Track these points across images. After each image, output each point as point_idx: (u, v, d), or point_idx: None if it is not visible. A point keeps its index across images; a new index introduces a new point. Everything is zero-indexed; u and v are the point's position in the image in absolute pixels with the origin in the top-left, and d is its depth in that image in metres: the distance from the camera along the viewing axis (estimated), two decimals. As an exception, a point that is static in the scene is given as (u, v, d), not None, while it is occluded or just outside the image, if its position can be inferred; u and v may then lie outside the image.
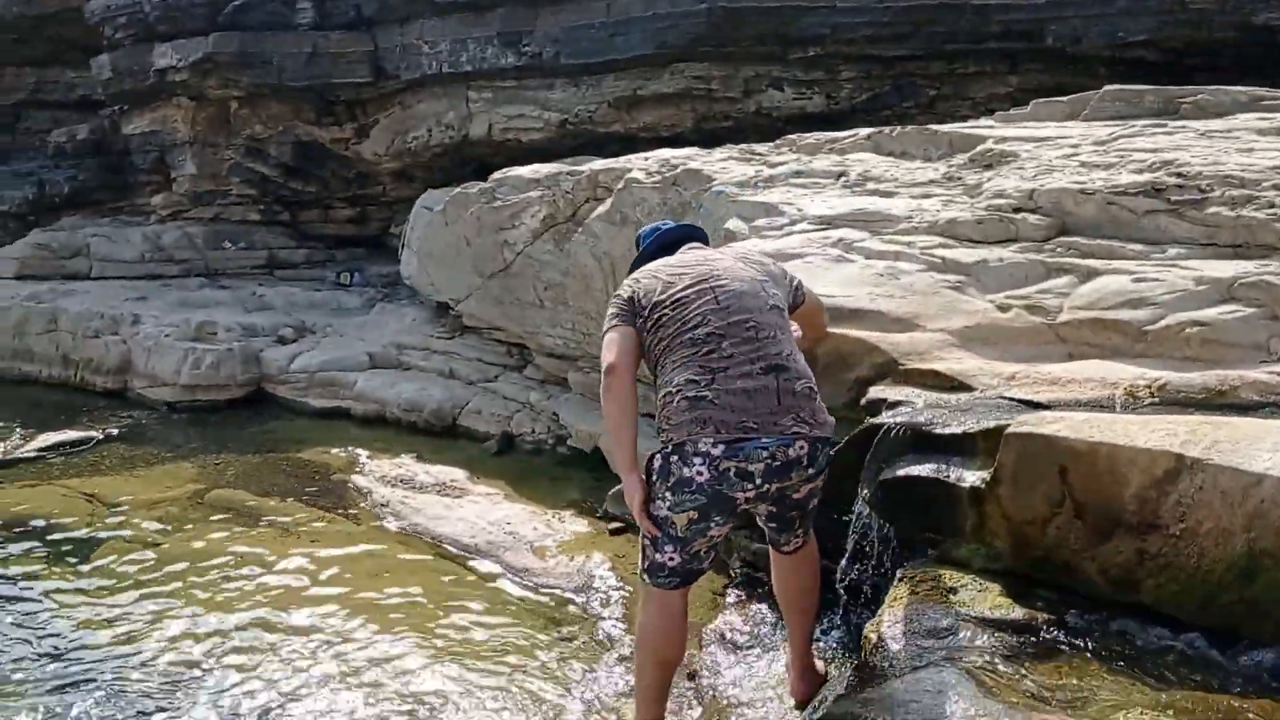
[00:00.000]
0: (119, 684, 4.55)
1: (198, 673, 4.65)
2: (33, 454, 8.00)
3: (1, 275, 11.28)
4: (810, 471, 3.32)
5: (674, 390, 3.27)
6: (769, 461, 3.21)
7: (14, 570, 5.88)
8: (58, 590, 5.57)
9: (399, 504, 6.78)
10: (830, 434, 3.43)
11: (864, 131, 7.06)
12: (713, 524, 3.26)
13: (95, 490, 7.23)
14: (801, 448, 3.26)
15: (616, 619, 5.35)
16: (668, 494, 3.21)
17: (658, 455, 3.27)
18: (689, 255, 3.67)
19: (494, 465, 7.54)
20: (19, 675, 4.64)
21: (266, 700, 4.41)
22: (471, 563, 6.00)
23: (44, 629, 5.17)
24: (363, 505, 6.86)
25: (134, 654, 4.82)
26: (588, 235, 7.38)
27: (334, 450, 7.90)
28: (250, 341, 9.28)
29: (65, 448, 8.07)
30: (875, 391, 4.02)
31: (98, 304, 9.82)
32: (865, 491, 3.77)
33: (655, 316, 3.39)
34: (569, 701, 4.59)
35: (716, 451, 3.16)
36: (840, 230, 5.20)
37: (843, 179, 6.13)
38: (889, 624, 3.22)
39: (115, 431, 8.41)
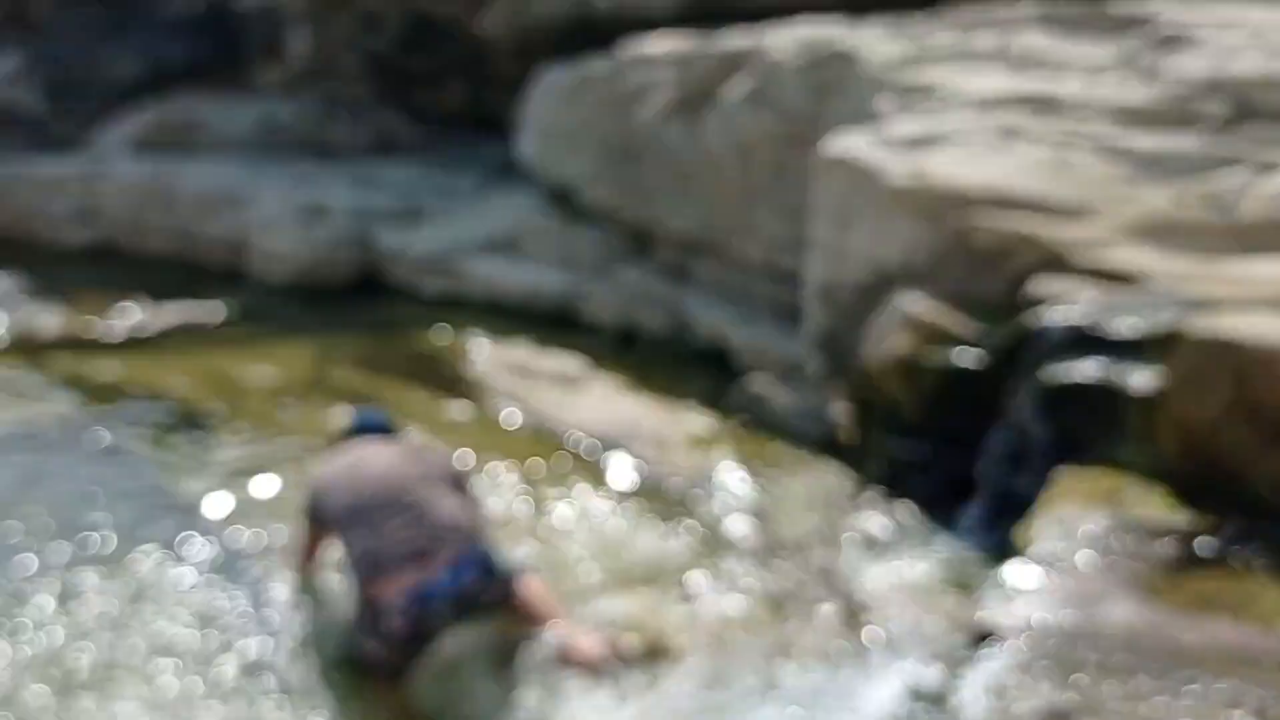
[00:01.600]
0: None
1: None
2: (156, 329, 8.46)
3: (118, 150, 11.77)
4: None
5: None
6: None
7: (141, 441, 6.29)
8: (187, 464, 5.94)
9: (518, 392, 6.99)
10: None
11: (1029, 7, 6.82)
12: None
13: (216, 366, 7.63)
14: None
15: (740, 513, 5.49)
16: None
17: None
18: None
19: (614, 356, 7.68)
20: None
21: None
22: (591, 451, 6.19)
23: (171, 496, 5.56)
24: (481, 391, 7.09)
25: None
26: (721, 117, 7.34)
27: (449, 335, 8.15)
28: (364, 222, 9.55)
29: (186, 324, 8.50)
30: (1036, 286, 3.99)
31: (216, 180, 10.20)
32: (1020, 389, 3.78)
33: None
34: (690, 591, 4.76)
35: None
36: (1002, 113, 5.08)
37: (1005, 58, 5.95)
38: (1043, 527, 3.26)
39: (234, 310, 8.80)
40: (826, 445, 6.06)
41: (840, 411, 5.72)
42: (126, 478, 5.80)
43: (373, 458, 4.28)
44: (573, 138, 8.77)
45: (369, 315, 8.67)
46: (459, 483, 4.44)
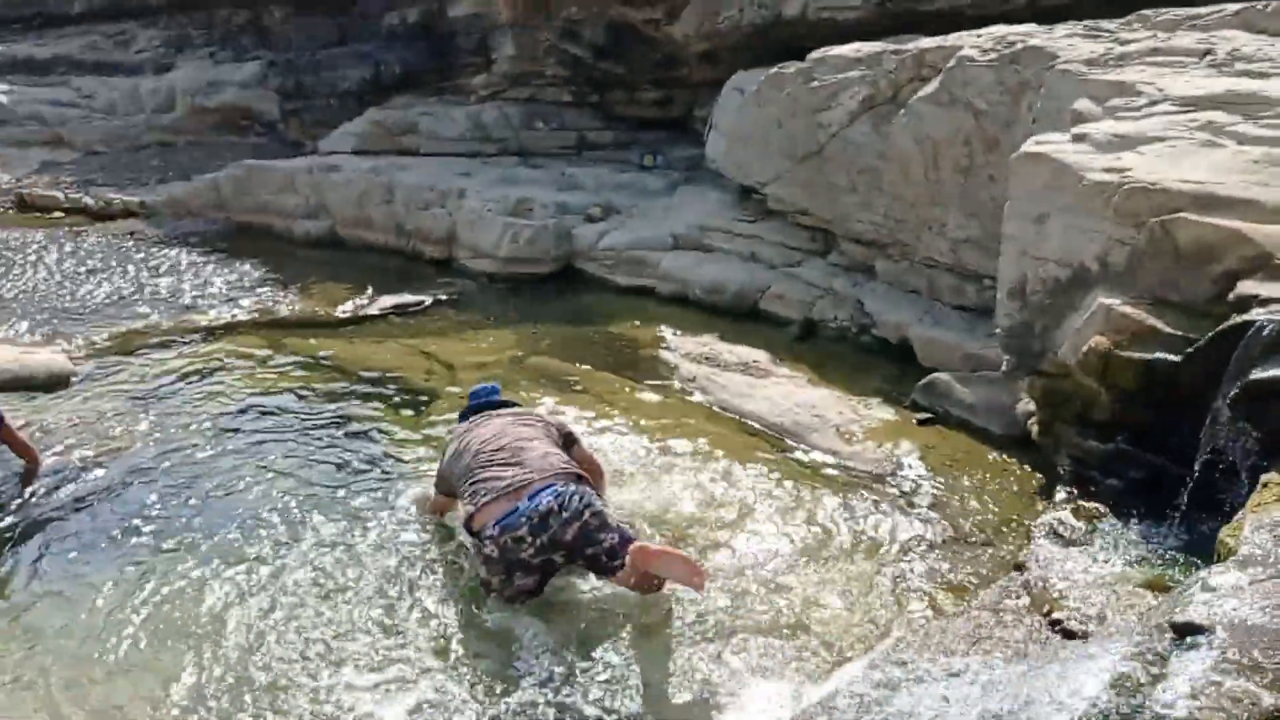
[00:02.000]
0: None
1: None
2: (376, 312, 8.91)
3: (341, 150, 12.43)
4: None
5: None
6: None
7: (367, 412, 6.65)
8: (403, 437, 6.25)
9: (705, 380, 7.06)
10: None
11: (1232, 7, 6.45)
12: None
13: (430, 349, 7.98)
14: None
15: (925, 506, 5.41)
16: None
17: None
18: None
19: (796, 349, 7.66)
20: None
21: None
22: (776, 440, 6.21)
23: (388, 466, 5.87)
24: (670, 379, 7.19)
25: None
26: (910, 117, 7.21)
27: (640, 326, 8.29)
28: (563, 219, 9.80)
29: (403, 309, 8.92)
30: (1245, 287, 3.79)
31: (428, 178, 10.66)
32: (1227, 391, 3.61)
33: None
34: (879, 579, 4.74)
35: None
36: (1208, 112, 4.83)
37: (1209, 57, 5.64)
38: (1252, 530, 3.11)
39: (443, 297, 9.19)
40: (1013, 441, 5.91)
41: (1029, 407, 5.56)
42: (355, 443, 6.16)
43: (484, 424, 4.80)
44: (761, 139, 8.77)
45: (566, 304, 8.90)
46: (566, 439, 4.91)
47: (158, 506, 5.42)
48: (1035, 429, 5.04)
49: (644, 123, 12.53)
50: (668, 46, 11.73)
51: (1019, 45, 6.58)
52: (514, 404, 5.30)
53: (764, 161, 8.83)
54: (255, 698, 3.94)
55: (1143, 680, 3.00)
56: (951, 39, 7.32)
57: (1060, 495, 4.45)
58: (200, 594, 4.60)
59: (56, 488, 5.61)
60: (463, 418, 5.20)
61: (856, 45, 8.14)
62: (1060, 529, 4.07)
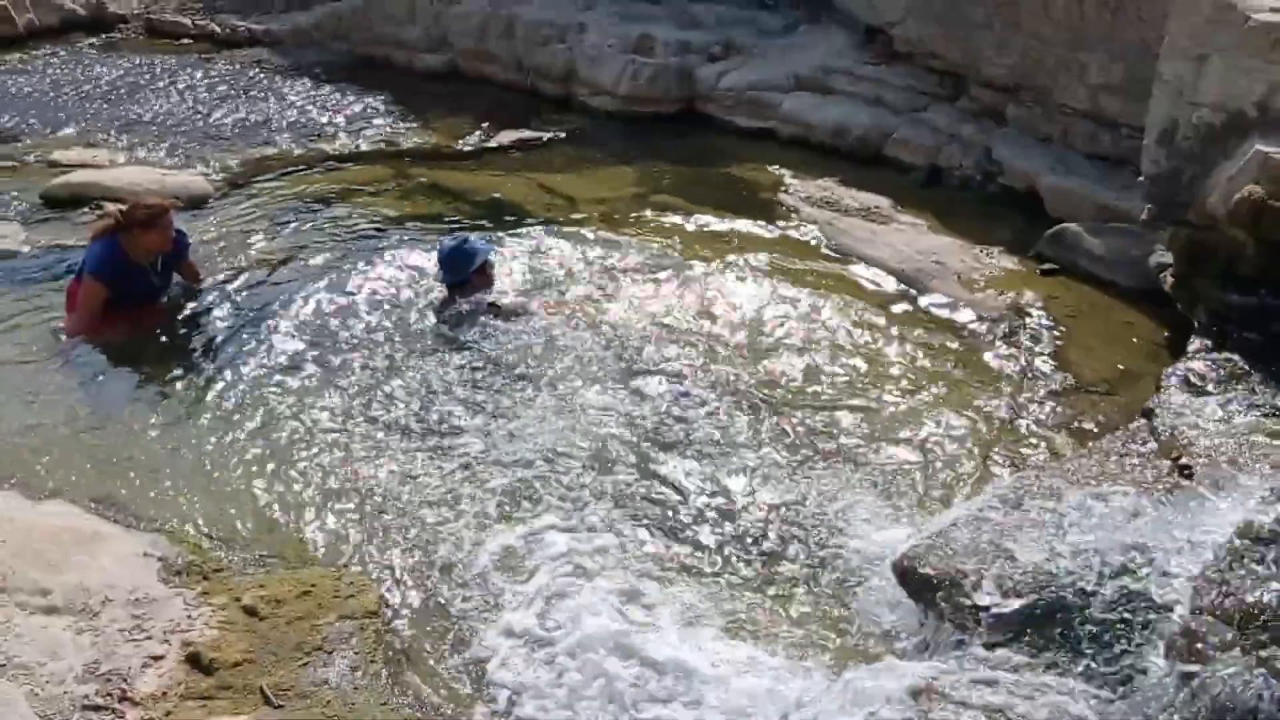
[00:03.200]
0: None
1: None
2: (495, 146, 8.95)
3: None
4: None
5: None
6: None
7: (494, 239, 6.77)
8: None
9: (826, 224, 6.99)
10: None
11: None
12: None
13: (550, 184, 8.02)
14: None
15: (1046, 355, 5.37)
16: None
17: None
18: None
19: (919, 196, 7.50)
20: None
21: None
22: (897, 286, 6.16)
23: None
24: (790, 222, 7.13)
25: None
26: (1057, -47, 6.81)
27: (760, 168, 8.17)
28: (684, 57, 9.57)
29: (523, 143, 8.93)
30: None
31: (547, 12, 10.45)
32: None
33: None
34: (998, 423, 4.76)
35: None
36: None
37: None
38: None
39: (563, 134, 9.15)
40: (1141, 294, 5.79)
41: (1163, 259, 5.41)
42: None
43: None
44: (894, -26, 8.38)
45: (686, 145, 8.80)
46: None
47: (313, 319, 5.69)
48: (1170, 281, 4.92)
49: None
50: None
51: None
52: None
53: (894, 1, 8.45)
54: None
55: (1272, 528, 3.01)
56: None
57: (1195, 346, 4.36)
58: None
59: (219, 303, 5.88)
60: None
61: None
62: (1193, 379, 4.02)
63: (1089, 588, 3.08)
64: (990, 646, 3.08)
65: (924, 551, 3.41)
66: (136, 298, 5.49)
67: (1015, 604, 3.11)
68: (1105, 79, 6.77)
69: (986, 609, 3.16)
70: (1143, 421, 3.92)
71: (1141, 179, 5.01)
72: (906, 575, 3.40)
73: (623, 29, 10.05)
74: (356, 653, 3.59)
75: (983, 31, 7.62)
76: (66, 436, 4.65)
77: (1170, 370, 4.19)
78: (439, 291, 5.83)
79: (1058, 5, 6.93)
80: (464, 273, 5.69)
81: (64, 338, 5.44)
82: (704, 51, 9.76)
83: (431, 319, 5.66)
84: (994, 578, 3.21)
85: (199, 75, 11.37)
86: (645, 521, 4.15)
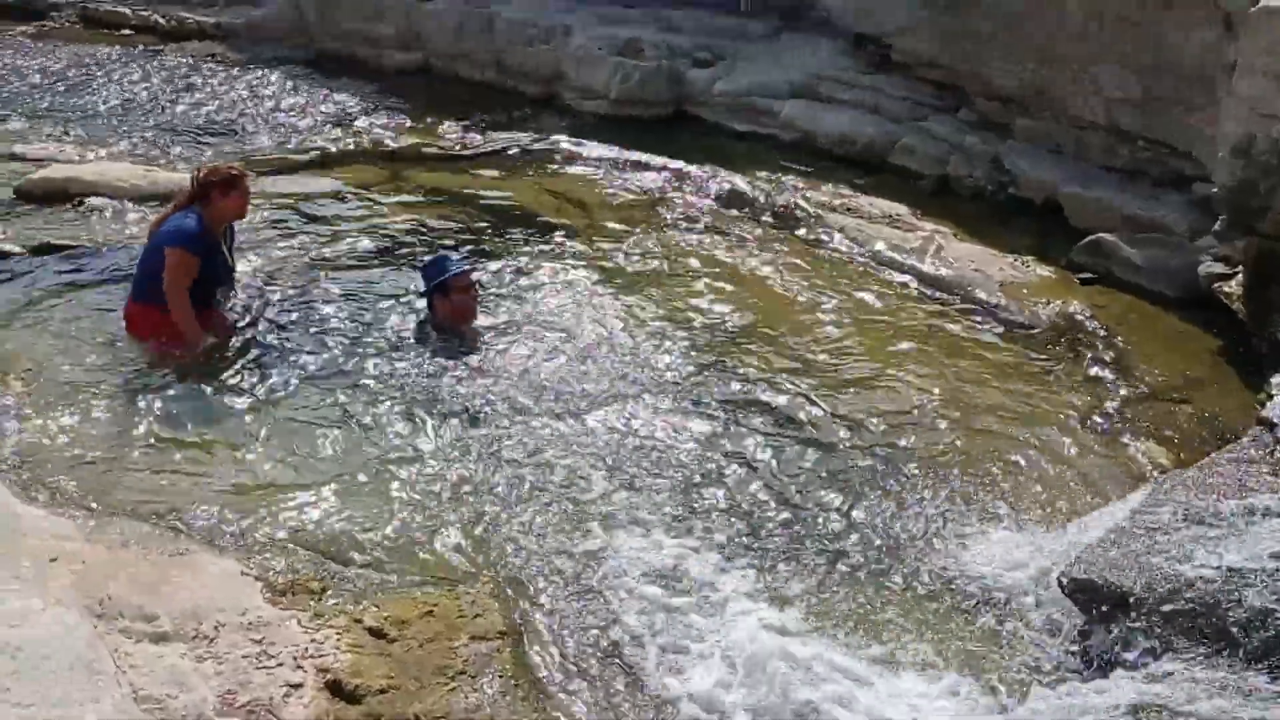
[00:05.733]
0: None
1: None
2: (489, 149, 8.73)
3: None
4: None
5: None
6: None
7: (516, 248, 6.59)
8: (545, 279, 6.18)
9: (854, 231, 6.99)
10: None
11: None
12: None
13: (557, 188, 7.85)
14: None
15: (1111, 364, 5.44)
16: None
17: None
18: None
19: (933, 205, 7.56)
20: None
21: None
22: (945, 294, 6.19)
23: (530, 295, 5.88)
24: (814, 227, 7.11)
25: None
26: (1077, -33, 6.97)
27: (767, 174, 8.13)
28: (674, 60, 9.52)
29: (518, 146, 8.74)
30: None
31: (529, 13, 10.29)
32: None
33: None
34: (1084, 432, 4.79)
35: None
36: None
37: None
38: None
39: (557, 138, 8.97)
40: (1187, 303, 5.93)
41: (1213, 269, 5.56)
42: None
43: None
44: (891, -13, 8.47)
45: (684, 148, 8.70)
46: None
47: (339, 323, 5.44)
48: (1239, 291, 5.04)
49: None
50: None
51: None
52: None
53: (893, 10, 8.56)
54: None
55: None
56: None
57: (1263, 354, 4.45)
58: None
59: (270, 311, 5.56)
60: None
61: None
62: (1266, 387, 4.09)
63: (1266, 602, 3.10)
64: (1182, 661, 3.07)
65: (1090, 566, 3.39)
66: (216, 281, 5.12)
67: (1196, 618, 3.11)
68: (1123, 93, 6.94)
69: (1168, 623, 3.15)
70: (1259, 430, 3.98)
71: (1215, 190, 5.13)
72: (1077, 591, 3.37)
73: (609, 31, 9.96)
74: (501, 676, 3.41)
75: (989, 44, 7.74)
76: (138, 456, 4.32)
77: (1231, 376, 4.25)
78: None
79: (1072, 22, 7.09)
80: (441, 281, 5.27)
81: (152, 355, 5.01)
82: (691, 56, 9.73)
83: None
84: (1168, 592, 3.21)
85: (150, 67, 10.87)
86: (763, 542, 4.03)
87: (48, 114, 9.26)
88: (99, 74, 10.56)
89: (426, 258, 5.61)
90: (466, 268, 5.45)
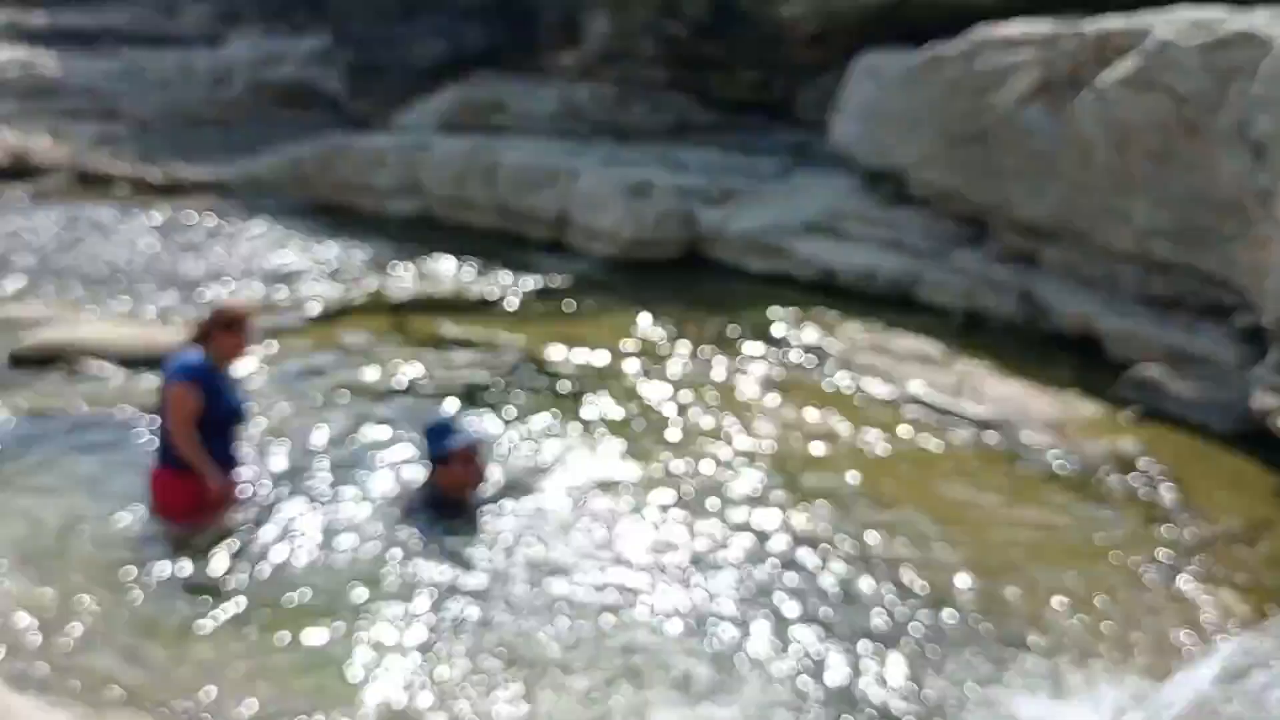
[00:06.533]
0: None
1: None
2: (501, 295, 8.74)
3: (424, 126, 12.26)
4: None
5: None
6: None
7: (524, 401, 6.50)
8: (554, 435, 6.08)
9: (886, 373, 6.93)
10: None
11: None
12: None
13: (574, 335, 7.79)
14: None
15: (1170, 506, 5.31)
16: None
17: None
18: None
19: (964, 341, 7.53)
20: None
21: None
22: (990, 437, 6.08)
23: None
24: (848, 371, 7.03)
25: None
26: (1098, 100, 7.10)
27: (792, 312, 8.11)
28: (684, 200, 9.66)
29: (527, 291, 8.77)
30: None
31: (533, 158, 10.49)
32: None
33: None
34: (1152, 580, 4.62)
35: None
36: None
37: None
38: None
39: (569, 282, 9.01)
40: (1239, 437, 5.84)
41: (1266, 402, 5.47)
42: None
43: None
44: (908, 121, 8.65)
45: (702, 290, 8.77)
46: None
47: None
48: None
49: (741, 105, 12.41)
50: (773, 27, 11.60)
51: (1224, 26, 6.49)
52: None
53: (910, 145, 8.71)
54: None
55: None
56: (1139, 19, 7.21)
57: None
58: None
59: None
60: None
61: (1024, 24, 8.02)
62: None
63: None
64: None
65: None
66: (231, 418, 4.99)
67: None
68: (1153, 225, 6.98)
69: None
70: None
71: (1265, 321, 5.08)
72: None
73: (616, 172, 10.13)
74: None
75: (1014, 179, 7.85)
76: (135, 643, 4.10)
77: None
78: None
79: (1098, 155, 7.19)
80: (442, 449, 5.03)
81: (173, 523, 4.88)
82: (702, 195, 9.87)
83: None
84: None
85: (147, 224, 11.00)
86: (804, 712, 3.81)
87: (44, 274, 9.28)
88: (97, 232, 10.68)
89: (431, 421, 5.30)
90: (472, 437, 5.17)
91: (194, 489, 4.84)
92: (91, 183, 12.91)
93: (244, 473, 5.20)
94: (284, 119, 14.87)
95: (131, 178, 12.78)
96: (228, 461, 5.02)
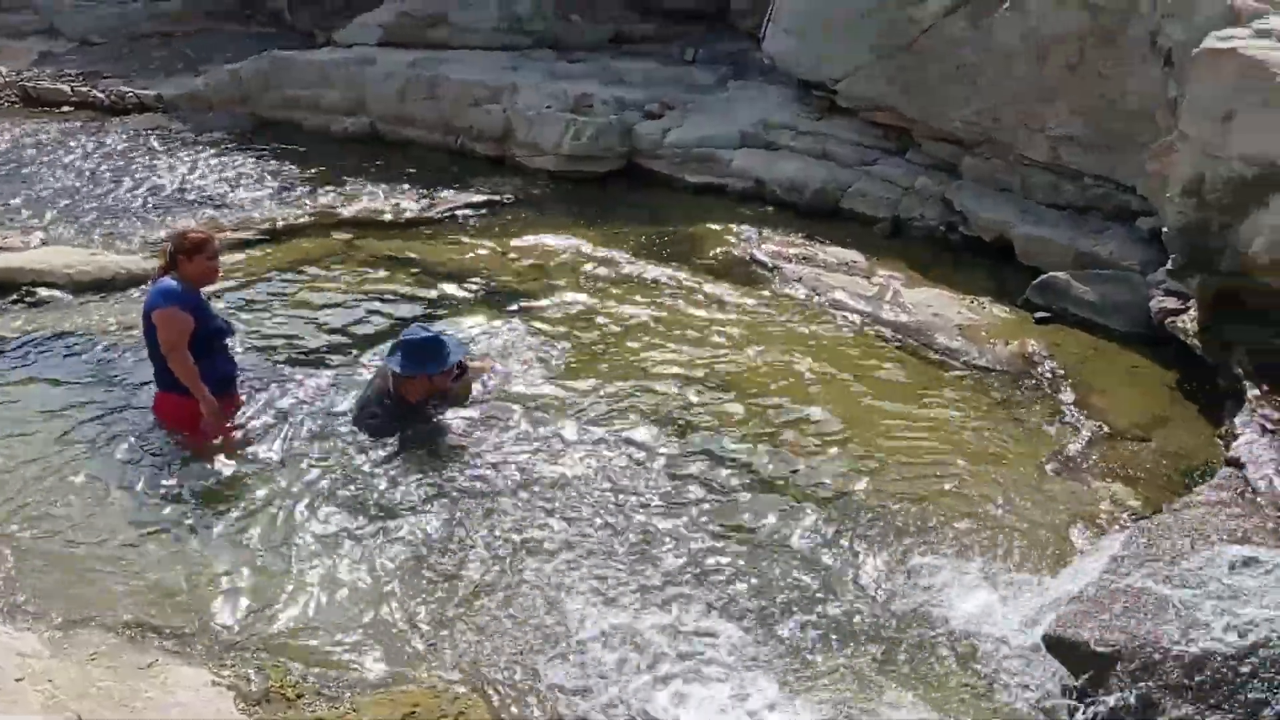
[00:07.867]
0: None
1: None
2: (441, 214, 8.70)
3: (363, 42, 11.94)
4: None
5: None
6: None
7: (474, 315, 6.57)
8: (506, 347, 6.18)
9: (813, 280, 7.04)
10: None
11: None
12: None
13: (516, 250, 7.82)
14: None
15: (1072, 404, 5.51)
16: None
17: None
18: None
19: (888, 249, 7.66)
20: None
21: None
22: (906, 340, 6.23)
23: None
24: (776, 281, 7.14)
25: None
26: (1017, 12, 7.12)
27: (724, 225, 8.18)
28: (624, 114, 9.57)
29: (471, 209, 8.73)
30: None
31: (477, 73, 10.30)
32: None
33: None
34: (1051, 476, 4.83)
35: None
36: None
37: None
38: None
39: (510, 198, 8.98)
40: (1140, 338, 6.04)
41: (1165, 304, 5.66)
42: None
43: None
44: (837, 33, 8.57)
45: (639, 203, 8.78)
46: None
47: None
48: (1193, 326, 5.12)
49: (680, 15, 12.19)
50: (709, -65, 11.36)
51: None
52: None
53: (841, 57, 8.66)
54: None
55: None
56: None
57: (1254, 393, 4.53)
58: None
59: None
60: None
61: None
62: (1269, 425, 4.15)
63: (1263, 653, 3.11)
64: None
65: (1074, 621, 3.40)
66: (213, 333, 5.05)
67: (1194, 674, 3.12)
68: (1067, 132, 7.08)
69: (1166, 678, 3.16)
70: (1231, 471, 4.03)
71: (1165, 229, 5.23)
72: (1062, 648, 3.38)
73: (557, 87, 10.01)
74: (490, 776, 3.35)
75: (938, 89, 7.87)
76: (104, 557, 4.22)
77: (1244, 419, 4.33)
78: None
79: (1017, 66, 7.23)
80: (424, 368, 5.10)
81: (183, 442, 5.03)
82: (641, 108, 9.79)
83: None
84: (1162, 647, 3.22)
85: (92, 145, 10.73)
86: (734, 612, 4.01)
87: (-11, 199, 9.10)
88: (42, 154, 10.41)
89: (421, 333, 5.18)
90: (466, 357, 5.37)
91: (196, 408, 4.97)
92: (37, 103, 12.53)
93: (237, 383, 5.34)
94: (227, 33, 14.45)
95: (75, 98, 12.41)
96: (225, 375, 5.16)
